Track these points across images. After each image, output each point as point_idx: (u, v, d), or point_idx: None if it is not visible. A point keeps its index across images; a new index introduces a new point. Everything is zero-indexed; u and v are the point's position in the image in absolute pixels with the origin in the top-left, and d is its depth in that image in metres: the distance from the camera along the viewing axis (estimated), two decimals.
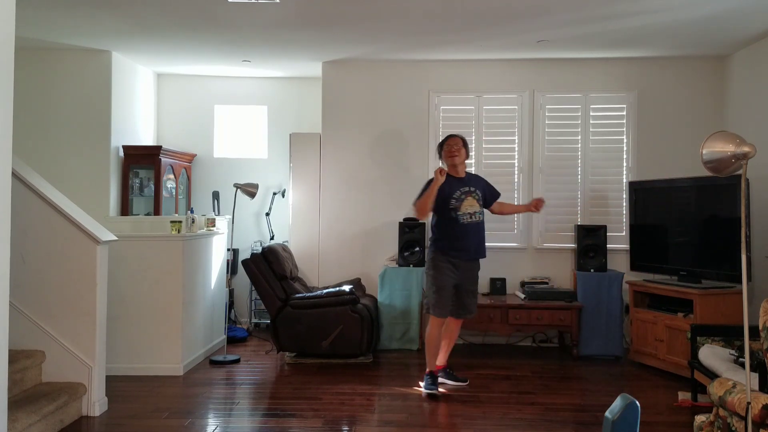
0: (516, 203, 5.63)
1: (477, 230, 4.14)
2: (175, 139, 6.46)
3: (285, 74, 6.31)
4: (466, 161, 4.26)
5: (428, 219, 4.35)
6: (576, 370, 4.75)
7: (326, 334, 4.81)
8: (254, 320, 6.24)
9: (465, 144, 4.24)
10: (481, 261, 5.55)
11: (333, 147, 5.80)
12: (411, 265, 5.35)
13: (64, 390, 3.48)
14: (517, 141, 5.68)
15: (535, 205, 4.28)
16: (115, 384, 4.20)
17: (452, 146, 4.19)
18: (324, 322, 4.81)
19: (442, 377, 4.29)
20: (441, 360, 4.28)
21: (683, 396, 4.01)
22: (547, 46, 5.23)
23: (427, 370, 4.15)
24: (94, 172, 5.53)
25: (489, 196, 4.32)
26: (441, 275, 4.09)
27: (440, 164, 4.34)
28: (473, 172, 4.40)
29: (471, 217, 4.11)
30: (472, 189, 4.17)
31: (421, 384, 4.15)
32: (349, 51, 5.45)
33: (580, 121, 5.64)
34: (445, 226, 4.12)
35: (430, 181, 4.14)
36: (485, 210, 4.31)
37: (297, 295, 4.95)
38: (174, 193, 6.05)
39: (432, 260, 4.16)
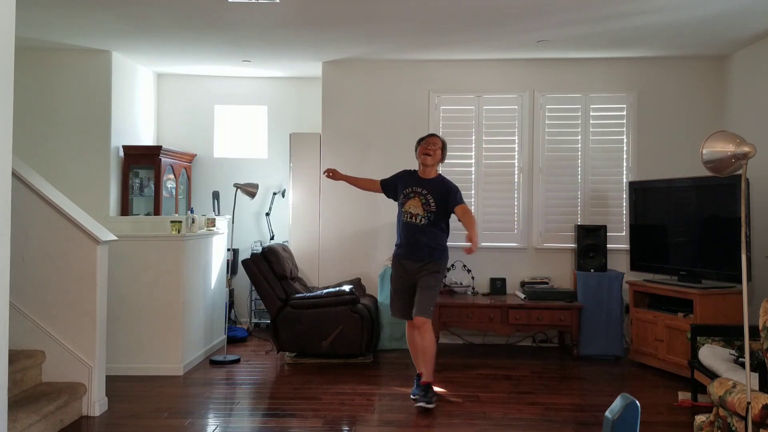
0: (515, 204, 5.65)
1: (415, 232, 3.94)
2: (175, 139, 6.46)
3: (285, 74, 6.32)
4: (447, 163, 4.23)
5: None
6: (576, 370, 4.76)
7: (326, 334, 4.81)
8: (254, 320, 6.25)
9: (444, 147, 4.06)
10: (481, 260, 5.62)
11: (333, 147, 5.80)
12: None
13: (64, 390, 3.48)
14: (517, 141, 5.68)
15: (470, 241, 3.78)
16: (115, 384, 4.20)
17: (429, 144, 4.00)
18: (324, 322, 4.81)
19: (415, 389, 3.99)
20: (420, 370, 3.99)
21: (683, 396, 4.01)
22: (547, 46, 5.23)
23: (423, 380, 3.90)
24: (94, 172, 5.53)
25: (450, 205, 3.95)
26: (394, 276, 4.10)
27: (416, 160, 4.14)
28: (449, 180, 4.06)
29: (411, 218, 3.94)
30: (425, 192, 3.95)
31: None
32: (349, 51, 5.45)
33: (580, 121, 5.64)
34: (397, 221, 4.13)
35: (401, 173, 4.17)
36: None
37: (297, 295, 4.95)
38: (174, 193, 6.06)
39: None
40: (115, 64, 5.63)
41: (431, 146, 4.01)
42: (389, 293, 4.19)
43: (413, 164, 5.67)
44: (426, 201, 3.95)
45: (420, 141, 4.11)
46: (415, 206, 3.96)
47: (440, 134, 5.63)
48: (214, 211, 6.30)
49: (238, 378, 4.45)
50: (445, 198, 3.96)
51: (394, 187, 4.17)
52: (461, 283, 5.59)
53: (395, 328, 5.30)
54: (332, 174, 4.27)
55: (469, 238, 3.80)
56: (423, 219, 3.95)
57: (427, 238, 3.95)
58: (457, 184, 5.76)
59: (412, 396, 3.98)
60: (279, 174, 6.44)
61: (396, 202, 4.20)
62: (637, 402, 1.60)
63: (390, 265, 5.38)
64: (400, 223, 4.06)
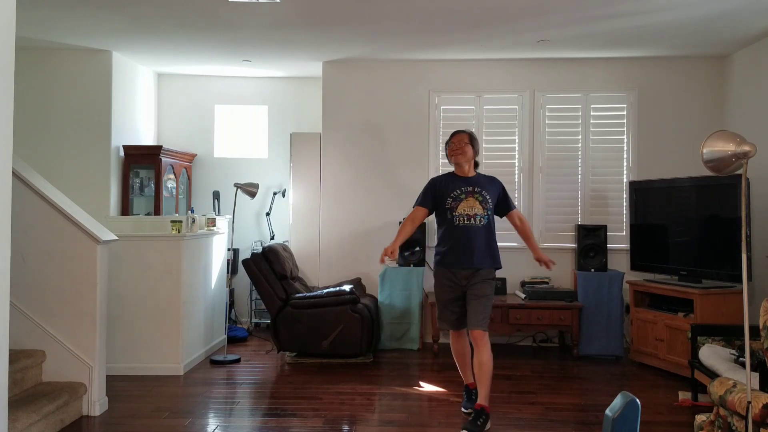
0: (517, 204, 5.64)
1: (472, 235, 3.60)
2: (175, 139, 6.46)
3: (285, 74, 6.32)
4: (477, 160, 3.78)
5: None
6: (576, 369, 4.75)
7: (326, 333, 4.81)
8: (254, 320, 6.25)
9: (472, 140, 3.71)
10: None
11: (333, 147, 5.80)
12: (411, 265, 5.35)
13: (64, 390, 3.48)
14: (517, 141, 5.68)
15: (545, 262, 3.73)
16: (115, 384, 4.21)
17: (455, 144, 3.69)
18: (324, 321, 4.81)
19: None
20: (469, 381, 3.84)
21: (683, 396, 4.01)
22: (547, 46, 5.23)
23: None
24: (95, 172, 5.53)
25: (502, 204, 3.76)
26: (441, 287, 3.70)
27: (449, 162, 3.80)
28: (494, 177, 3.84)
29: (469, 220, 3.60)
30: (478, 190, 3.64)
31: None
32: (349, 51, 5.45)
33: (580, 121, 5.64)
34: (441, 227, 3.72)
35: (430, 183, 3.74)
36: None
37: (297, 295, 4.95)
38: (174, 193, 6.06)
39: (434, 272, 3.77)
40: (116, 64, 5.63)
41: (456, 144, 3.70)
42: (431, 302, 3.86)
43: (414, 163, 5.71)
44: (484, 199, 3.63)
45: (447, 144, 3.77)
46: (470, 206, 3.61)
47: (440, 134, 5.67)
48: (214, 210, 6.31)
49: (238, 378, 4.45)
50: (497, 197, 3.72)
51: (435, 199, 3.73)
52: None
53: (395, 328, 5.30)
54: (390, 253, 3.58)
55: (539, 256, 3.71)
56: (482, 219, 3.62)
57: (484, 241, 3.62)
58: None
59: (463, 409, 3.78)
60: (279, 174, 6.44)
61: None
62: (638, 400, 1.60)
63: (390, 266, 5.41)
64: (449, 228, 3.65)
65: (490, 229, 3.66)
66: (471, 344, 3.65)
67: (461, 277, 3.62)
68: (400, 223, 5.48)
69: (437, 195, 3.70)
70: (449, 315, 3.69)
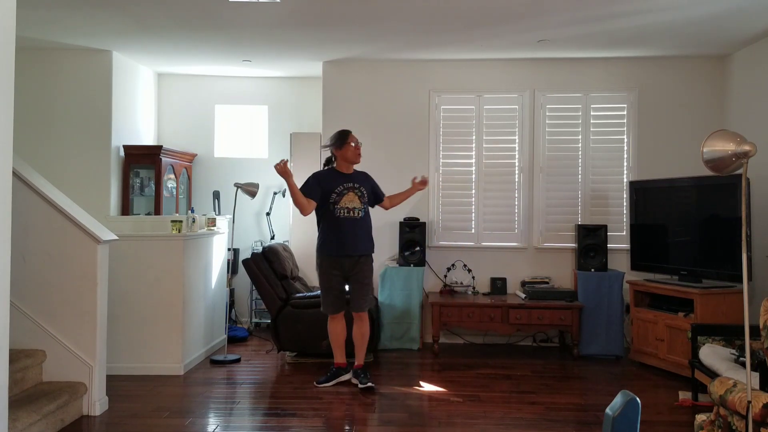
0: (516, 203, 5.64)
1: (354, 226, 4.15)
2: (175, 139, 6.46)
3: (285, 74, 6.32)
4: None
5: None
6: (576, 369, 4.75)
7: (326, 333, 4.80)
8: (255, 320, 6.25)
9: None
10: (482, 260, 5.63)
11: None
12: (411, 265, 5.35)
13: (64, 389, 3.48)
14: (517, 141, 5.68)
15: (422, 182, 4.47)
16: (115, 383, 4.21)
17: (358, 148, 4.25)
18: (324, 321, 4.79)
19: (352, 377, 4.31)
20: (342, 359, 4.37)
21: (684, 395, 4.01)
22: (548, 46, 5.23)
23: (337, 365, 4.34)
24: (95, 172, 5.54)
25: (374, 196, 4.39)
26: (329, 274, 4.18)
27: (333, 156, 4.31)
28: (365, 172, 4.44)
29: (348, 212, 4.14)
30: (356, 186, 4.21)
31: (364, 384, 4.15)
32: (349, 51, 5.45)
33: (580, 121, 5.64)
34: (325, 220, 4.18)
35: (315, 178, 4.18)
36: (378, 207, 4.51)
37: (297, 295, 4.95)
38: (174, 193, 6.06)
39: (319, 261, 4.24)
40: (116, 64, 5.63)
41: (359, 149, 4.27)
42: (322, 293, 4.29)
43: (414, 163, 5.71)
44: (362, 194, 4.21)
45: (344, 139, 4.21)
46: (351, 201, 4.16)
47: (440, 134, 5.69)
48: (214, 210, 6.31)
49: (238, 377, 4.45)
50: (372, 190, 4.36)
51: (322, 193, 4.16)
52: (462, 283, 5.59)
53: (395, 327, 5.30)
54: (283, 167, 3.93)
55: (421, 182, 4.46)
56: (360, 212, 4.20)
57: (364, 231, 4.21)
58: (457, 184, 5.83)
59: (358, 383, 4.20)
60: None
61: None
62: (638, 399, 1.60)
63: (390, 266, 5.41)
64: (332, 220, 4.13)
65: (367, 219, 4.25)
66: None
67: (346, 264, 4.15)
68: (400, 223, 5.48)
69: (323, 187, 4.14)
70: (334, 300, 4.23)
